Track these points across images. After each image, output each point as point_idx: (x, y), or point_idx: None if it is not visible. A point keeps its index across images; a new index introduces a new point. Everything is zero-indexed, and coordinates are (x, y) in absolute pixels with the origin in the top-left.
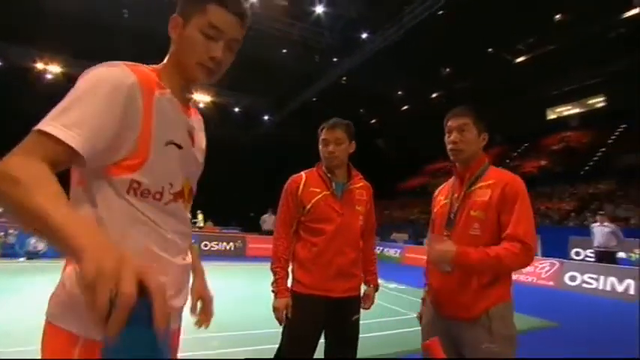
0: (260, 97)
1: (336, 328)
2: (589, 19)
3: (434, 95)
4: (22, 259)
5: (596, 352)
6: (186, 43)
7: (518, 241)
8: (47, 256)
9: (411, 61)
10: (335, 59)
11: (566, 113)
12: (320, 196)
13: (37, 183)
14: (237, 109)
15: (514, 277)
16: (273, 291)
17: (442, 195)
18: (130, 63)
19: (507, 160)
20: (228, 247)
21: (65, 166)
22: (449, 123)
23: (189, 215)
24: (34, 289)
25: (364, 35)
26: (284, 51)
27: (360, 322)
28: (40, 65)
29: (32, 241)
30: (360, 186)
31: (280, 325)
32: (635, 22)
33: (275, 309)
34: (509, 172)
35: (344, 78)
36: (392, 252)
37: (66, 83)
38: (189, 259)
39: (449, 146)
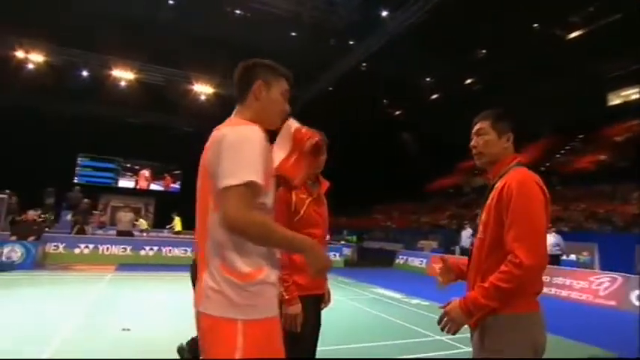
0: None
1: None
2: None
3: (468, 81)
4: None
5: None
6: (271, 102)
7: (508, 254)
8: (22, 267)
9: (440, 42)
10: (351, 42)
11: (633, 97)
12: (308, 202)
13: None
14: None
15: (564, 293)
16: (286, 299)
17: None
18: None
19: (557, 155)
20: None
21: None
22: (473, 129)
23: None
24: None
25: (384, 13)
26: (292, 34)
27: (376, 343)
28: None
29: (5, 250)
30: (325, 189)
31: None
32: None
33: (294, 316)
34: (523, 172)
35: (364, 64)
36: (417, 262)
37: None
38: None
39: (473, 152)
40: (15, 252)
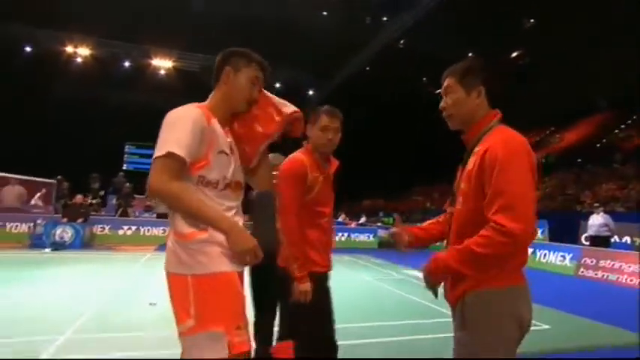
0: (301, 69)
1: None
2: None
3: (514, 54)
4: (47, 250)
5: None
6: (237, 87)
7: (492, 223)
8: (73, 247)
9: (481, 12)
10: (385, 18)
11: None
12: (320, 180)
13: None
14: (277, 85)
15: (612, 277)
16: (297, 276)
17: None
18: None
19: (616, 131)
20: None
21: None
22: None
23: (238, 199)
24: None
25: None
26: (324, 13)
27: (391, 322)
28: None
29: (58, 231)
30: (334, 169)
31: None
32: None
33: (305, 293)
34: (506, 132)
35: (401, 41)
36: None
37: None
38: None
39: (443, 114)
40: (66, 232)
